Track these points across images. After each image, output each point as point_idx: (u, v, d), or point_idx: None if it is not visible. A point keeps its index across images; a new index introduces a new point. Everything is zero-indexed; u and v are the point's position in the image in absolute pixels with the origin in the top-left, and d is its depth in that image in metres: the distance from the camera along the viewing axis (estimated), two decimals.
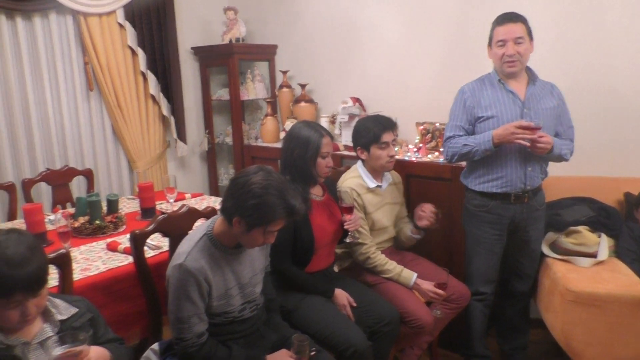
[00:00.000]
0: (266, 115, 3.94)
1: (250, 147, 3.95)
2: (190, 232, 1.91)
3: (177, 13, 3.85)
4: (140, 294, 1.99)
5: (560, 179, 2.69)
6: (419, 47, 3.20)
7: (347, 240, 2.34)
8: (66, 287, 1.73)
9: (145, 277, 1.97)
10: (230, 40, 3.91)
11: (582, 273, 2.24)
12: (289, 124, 3.66)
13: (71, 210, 2.83)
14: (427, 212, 2.42)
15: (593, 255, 2.34)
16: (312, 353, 1.76)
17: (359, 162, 2.53)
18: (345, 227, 2.26)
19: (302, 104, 3.71)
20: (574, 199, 2.62)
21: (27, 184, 3.01)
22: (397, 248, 2.63)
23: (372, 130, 2.40)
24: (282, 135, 3.77)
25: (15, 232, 1.34)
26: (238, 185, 1.65)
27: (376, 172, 2.49)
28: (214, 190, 4.29)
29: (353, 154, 3.08)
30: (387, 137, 2.40)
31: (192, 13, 4.07)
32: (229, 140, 4.16)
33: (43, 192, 3.28)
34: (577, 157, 2.42)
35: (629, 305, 2.06)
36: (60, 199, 3.12)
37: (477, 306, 2.53)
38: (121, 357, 1.49)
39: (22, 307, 1.29)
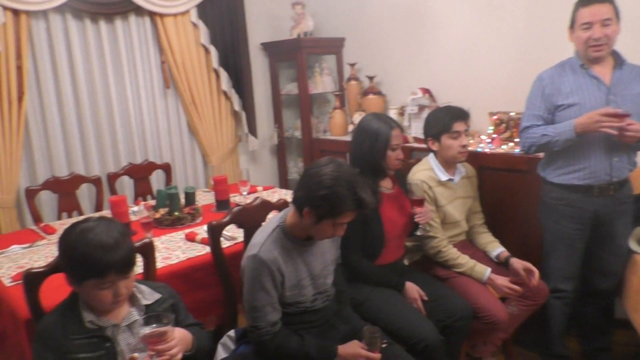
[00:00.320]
0: (334, 109, 3.96)
1: (318, 140, 3.99)
2: (263, 223, 1.96)
3: (247, 10, 3.95)
4: (217, 283, 2.07)
5: None
6: (492, 33, 3.08)
7: (418, 233, 2.31)
8: (150, 274, 1.83)
9: (222, 266, 2.05)
10: (298, 35, 3.95)
11: None
12: (357, 117, 3.66)
13: (152, 202, 2.99)
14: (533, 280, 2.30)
15: None
16: (383, 345, 1.77)
17: (431, 155, 2.48)
18: (416, 220, 2.23)
19: (370, 96, 3.69)
20: None
21: (112, 178, 3.21)
22: (470, 242, 2.57)
23: (443, 120, 2.35)
24: (351, 128, 3.78)
25: (106, 220, 1.47)
26: (309, 176, 1.68)
27: (448, 164, 2.43)
28: (283, 184, 4.37)
29: (423, 146, 3.03)
30: (458, 126, 2.34)
31: (261, 9, 4.15)
32: (297, 134, 4.22)
33: (125, 185, 3.48)
34: None
35: None
36: (142, 191, 3.31)
37: (556, 304, 2.42)
38: (202, 340, 1.57)
39: (114, 287, 1.40)
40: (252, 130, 4.11)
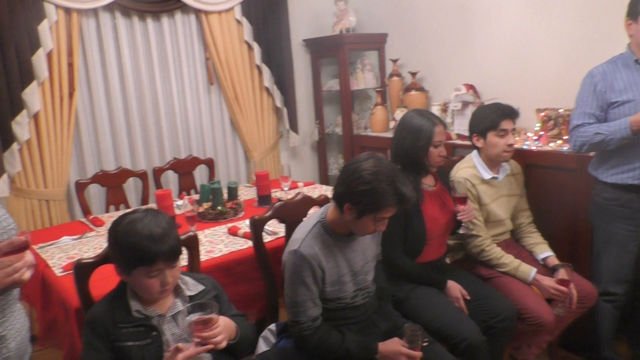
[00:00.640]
0: (376, 105, 3.94)
1: (359, 136, 3.97)
2: (304, 219, 1.97)
3: (290, 6, 3.97)
4: (259, 277, 2.10)
5: None
6: (540, 26, 2.99)
7: (460, 231, 2.27)
8: (194, 267, 1.87)
9: (264, 260, 2.07)
10: (341, 31, 3.94)
11: None
12: (399, 113, 3.62)
13: (195, 196, 3.05)
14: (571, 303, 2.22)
15: None
16: (424, 344, 1.74)
17: (474, 152, 2.43)
18: (459, 218, 2.19)
19: (413, 92, 3.65)
20: None
21: (157, 172, 3.29)
22: (515, 241, 2.51)
23: (491, 117, 2.29)
24: (392, 124, 3.75)
25: (153, 211, 1.52)
26: (349, 172, 1.67)
27: (492, 162, 2.37)
28: (323, 180, 4.38)
29: (466, 143, 2.99)
30: (506, 124, 2.28)
31: (304, 6, 4.16)
32: (338, 130, 4.21)
33: (170, 180, 3.56)
34: None
35: None
36: (186, 185, 3.38)
37: (605, 307, 2.33)
38: (246, 330, 1.59)
39: (162, 276, 1.45)
40: (293, 127, 4.13)
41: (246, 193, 3.18)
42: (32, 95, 2.96)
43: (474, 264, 2.39)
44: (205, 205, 2.65)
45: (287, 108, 4.07)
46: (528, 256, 2.41)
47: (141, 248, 1.41)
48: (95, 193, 3.33)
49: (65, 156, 3.17)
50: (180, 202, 2.81)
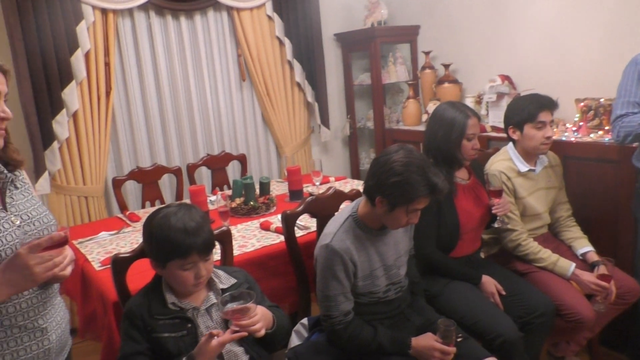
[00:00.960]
0: (408, 98, 3.90)
1: (391, 130, 3.94)
2: (336, 213, 1.96)
3: (321, 1, 3.96)
4: (291, 271, 2.11)
5: None
6: (579, 13, 2.89)
7: (496, 225, 2.23)
8: (227, 261, 1.89)
9: (295, 255, 2.08)
10: (372, 24, 3.91)
11: None
12: (431, 106, 3.57)
13: (228, 192, 3.08)
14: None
15: None
16: (459, 339, 1.72)
17: (510, 144, 2.37)
18: (494, 211, 2.14)
19: (446, 84, 3.59)
20: None
21: (191, 168, 3.34)
22: (554, 235, 2.44)
23: (529, 108, 2.22)
24: (425, 118, 3.70)
25: (186, 205, 1.55)
26: (379, 164, 1.66)
27: (529, 154, 2.31)
28: (355, 174, 4.37)
29: (501, 135, 2.92)
30: (544, 116, 2.21)
31: (335, 0, 4.14)
32: (370, 124, 4.19)
33: (204, 175, 3.61)
34: None
35: None
36: (218, 181, 3.42)
37: None
38: (282, 320, 1.61)
39: (196, 268, 1.47)
40: (325, 122, 4.13)
41: (278, 188, 3.20)
42: (71, 94, 3.05)
43: (509, 259, 2.34)
44: (238, 200, 2.68)
45: (319, 103, 4.07)
46: (567, 251, 2.35)
47: (175, 241, 1.43)
48: (132, 189, 3.41)
49: (102, 154, 3.26)
50: (213, 198, 2.85)
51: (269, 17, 3.74)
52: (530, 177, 2.32)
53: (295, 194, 2.85)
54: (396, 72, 4.01)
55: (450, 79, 3.59)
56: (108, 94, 3.22)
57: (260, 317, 1.45)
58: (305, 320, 1.97)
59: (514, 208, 2.27)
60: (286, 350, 1.85)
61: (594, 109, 2.72)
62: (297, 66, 3.90)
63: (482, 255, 2.41)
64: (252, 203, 2.63)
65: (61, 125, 3.05)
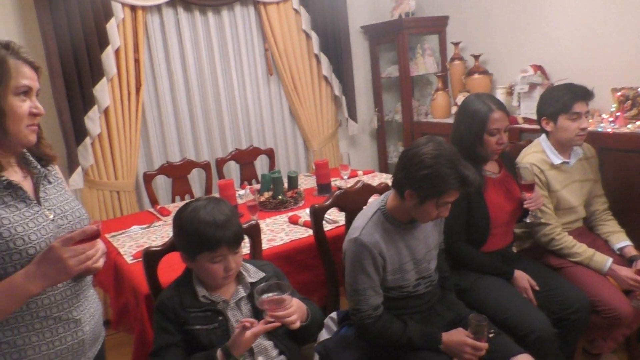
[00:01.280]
0: (437, 90, 3.84)
1: (420, 123, 3.89)
2: (364, 207, 1.95)
3: None
4: (320, 265, 2.10)
5: None
6: (618, 1, 2.79)
7: (528, 220, 2.17)
8: (256, 255, 1.90)
9: (324, 249, 2.07)
10: (400, 16, 3.86)
11: None
12: (460, 98, 3.51)
13: (256, 186, 3.10)
14: None
15: None
16: (490, 335, 1.68)
17: (542, 136, 2.31)
18: (525, 206, 2.08)
19: (476, 75, 3.53)
20: None
21: (220, 163, 3.37)
22: (590, 229, 2.37)
23: (563, 99, 2.15)
24: (454, 110, 3.64)
25: (215, 199, 1.56)
26: (408, 157, 1.63)
27: (563, 146, 2.24)
28: (383, 168, 4.33)
29: (533, 127, 2.85)
30: (579, 107, 2.14)
31: None
32: (398, 117, 4.14)
33: (232, 170, 3.64)
34: None
35: None
36: (247, 176, 3.44)
37: None
38: (316, 313, 1.60)
39: (225, 261, 1.48)
40: (352, 115, 4.11)
41: (306, 182, 3.20)
42: (102, 91, 3.10)
43: (542, 253, 2.28)
44: (266, 194, 2.69)
45: (346, 96, 4.05)
46: (603, 245, 2.28)
47: (205, 234, 1.44)
48: (162, 184, 3.46)
49: (133, 149, 3.31)
50: (242, 192, 2.87)
51: (296, 11, 3.73)
52: (564, 170, 2.25)
53: (323, 187, 2.84)
54: (424, 64, 3.95)
55: (480, 70, 3.53)
56: (138, 89, 3.27)
57: (295, 309, 1.45)
58: (334, 314, 1.97)
59: (547, 201, 2.21)
60: (315, 344, 1.85)
61: (631, 99, 2.63)
62: (324, 60, 3.88)
63: (514, 249, 2.36)
64: (280, 197, 2.63)
65: (93, 121, 3.10)
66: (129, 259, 2.11)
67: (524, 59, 3.26)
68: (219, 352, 1.40)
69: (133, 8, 3.18)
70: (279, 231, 2.30)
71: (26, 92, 1.21)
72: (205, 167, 3.30)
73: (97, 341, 1.41)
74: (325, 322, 1.94)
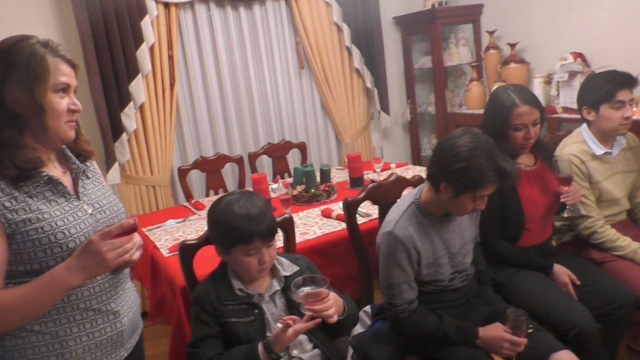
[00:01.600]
0: (471, 81, 3.77)
1: (454, 114, 3.83)
2: (398, 200, 1.92)
3: None
4: (353, 259, 2.09)
5: None
6: None
7: (565, 214, 2.07)
8: (290, 248, 1.90)
9: (357, 242, 2.05)
10: (433, 5, 3.79)
11: None
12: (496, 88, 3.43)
13: (289, 180, 3.10)
14: None
15: None
16: (529, 330, 1.64)
17: (583, 126, 2.23)
18: (562, 200, 1.98)
19: (512, 65, 3.44)
20: None
21: (252, 157, 3.39)
22: (634, 222, 2.28)
23: (605, 87, 2.07)
24: None
25: (249, 193, 1.57)
26: (444, 150, 1.60)
27: (605, 136, 2.16)
28: (416, 160, 4.28)
29: (573, 116, 2.76)
30: (623, 95, 2.05)
31: None
32: (431, 109, 4.09)
33: (265, 164, 3.65)
34: None
35: None
36: (279, 169, 3.45)
37: None
38: (352, 306, 1.60)
39: (259, 254, 1.49)
40: (384, 107, 4.07)
41: (338, 175, 3.19)
42: (138, 87, 3.16)
43: (583, 247, 2.21)
44: (299, 188, 2.69)
45: (378, 89, 4.01)
46: None
47: (239, 227, 1.45)
48: (196, 178, 3.51)
49: (168, 144, 3.36)
50: (274, 186, 2.87)
51: (327, 3, 3.71)
52: (606, 161, 2.17)
53: (356, 181, 2.82)
54: (458, 54, 3.88)
55: (517, 58, 3.44)
56: (172, 86, 3.31)
57: (333, 303, 1.45)
58: (368, 308, 1.96)
59: (589, 193, 2.13)
60: (349, 338, 1.85)
61: None
62: (355, 52, 3.85)
63: (554, 243, 2.29)
64: (313, 190, 2.63)
65: (129, 118, 3.16)
66: (165, 252, 2.15)
67: (563, 47, 3.16)
68: (260, 347, 1.41)
69: (166, 5, 3.22)
70: (312, 225, 2.30)
71: (65, 89, 1.24)
72: (238, 161, 3.32)
73: (135, 332, 1.44)
74: (360, 315, 1.92)
